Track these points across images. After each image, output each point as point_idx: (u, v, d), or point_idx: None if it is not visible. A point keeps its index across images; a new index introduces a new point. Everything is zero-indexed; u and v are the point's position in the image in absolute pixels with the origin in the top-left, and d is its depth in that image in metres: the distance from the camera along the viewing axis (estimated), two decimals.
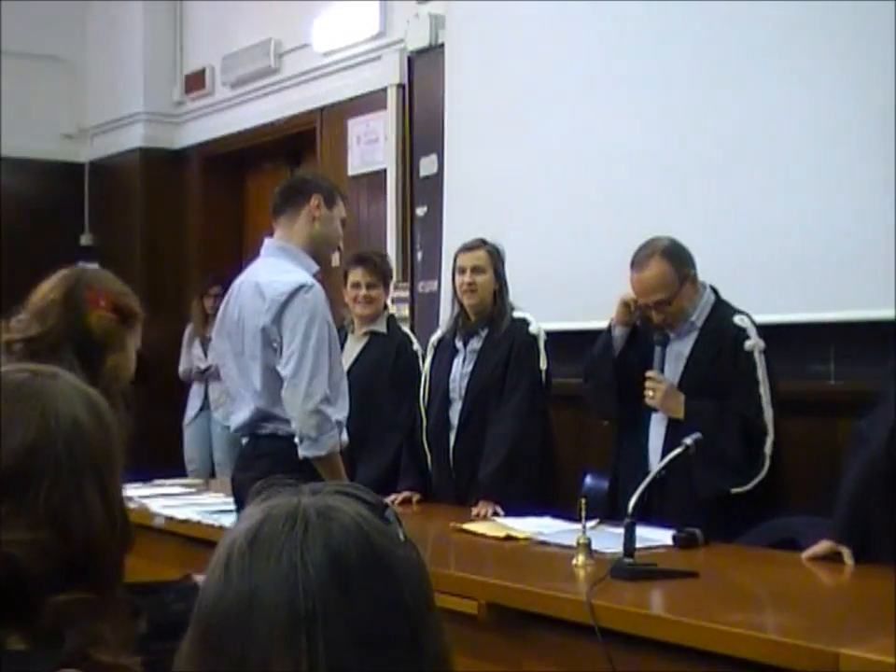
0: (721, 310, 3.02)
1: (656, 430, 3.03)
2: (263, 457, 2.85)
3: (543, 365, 3.39)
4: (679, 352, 3.02)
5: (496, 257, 3.50)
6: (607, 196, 4.12)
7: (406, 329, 4.14)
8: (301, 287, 2.78)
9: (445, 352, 3.59)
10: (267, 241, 2.99)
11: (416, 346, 3.92)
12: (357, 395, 3.68)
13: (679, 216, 3.74)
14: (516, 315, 3.49)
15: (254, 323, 2.83)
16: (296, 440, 2.77)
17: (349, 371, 3.83)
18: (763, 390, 2.89)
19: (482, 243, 3.51)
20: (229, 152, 6.44)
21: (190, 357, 6.00)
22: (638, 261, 2.99)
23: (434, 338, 3.68)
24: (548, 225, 4.30)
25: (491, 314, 3.47)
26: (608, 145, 4.11)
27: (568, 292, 4.17)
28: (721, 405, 2.90)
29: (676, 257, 2.98)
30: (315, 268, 2.94)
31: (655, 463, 2.90)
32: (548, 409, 3.45)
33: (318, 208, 2.92)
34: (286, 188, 2.99)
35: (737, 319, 2.96)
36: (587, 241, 4.15)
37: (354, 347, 3.92)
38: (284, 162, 6.18)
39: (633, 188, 4.01)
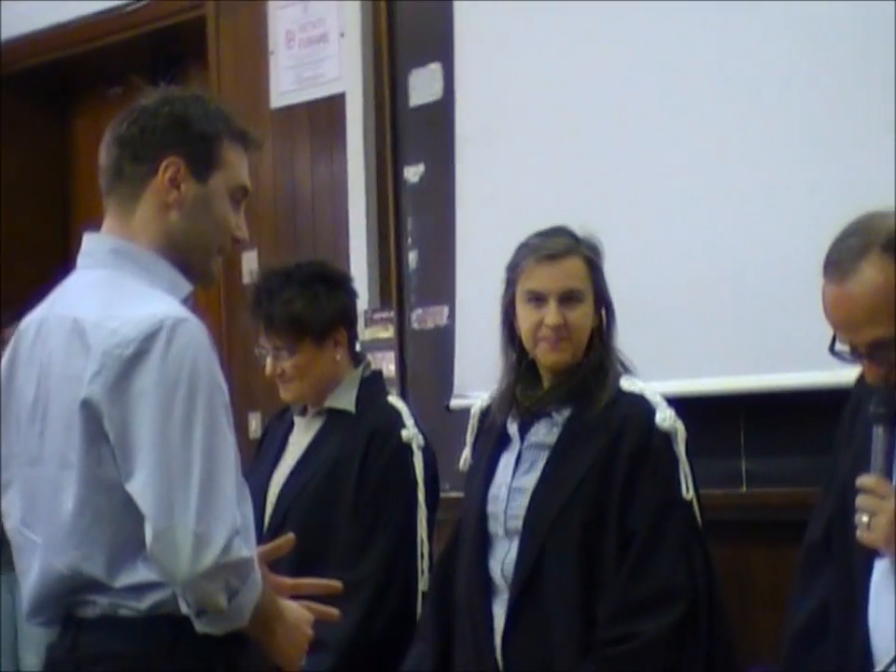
0: None
1: (886, 593, 3.00)
2: (92, 665, 2.83)
3: (689, 493, 3.43)
4: None
5: (597, 266, 3.56)
6: (768, 148, 4.23)
7: (395, 400, 4.21)
8: (162, 327, 2.76)
9: (487, 443, 3.66)
10: (89, 239, 2.97)
11: (409, 431, 3.99)
12: (295, 529, 3.73)
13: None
14: (626, 385, 3.53)
15: (68, 397, 2.81)
16: (183, 609, 2.77)
17: (285, 486, 3.99)
18: None
19: (572, 240, 3.54)
20: (39, 66, 6.54)
21: None
22: (840, 261, 2.93)
23: (478, 406, 3.77)
24: (657, 199, 4.41)
25: (580, 377, 3.53)
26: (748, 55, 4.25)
27: (698, 325, 4.29)
28: None
29: None
30: (187, 288, 2.93)
31: (887, 652, 2.89)
32: (717, 581, 3.50)
33: (175, 184, 2.90)
34: (111, 142, 2.95)
35: None
36: (735, 226, 4.26)
37: (301, 441, 4.05)
38: (145, 84, 6.24)
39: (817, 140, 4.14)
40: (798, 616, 3.20)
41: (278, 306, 3.95)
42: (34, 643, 5.68)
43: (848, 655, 3.03)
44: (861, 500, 2.94)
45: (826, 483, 3.24)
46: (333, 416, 4.01)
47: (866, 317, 2.92)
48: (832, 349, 2.98)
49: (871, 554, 2.98)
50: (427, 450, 4.00)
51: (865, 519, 2.93)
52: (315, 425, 4.04)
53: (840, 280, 2.92)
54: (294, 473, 3.99)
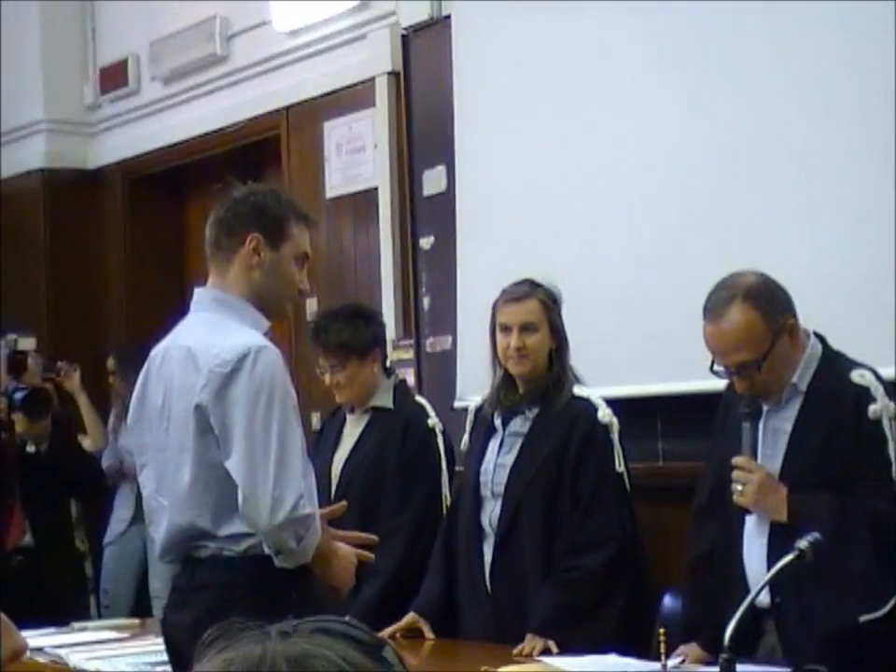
0: (834, 366, 3.03)
1: (755, 539, 3.05)
2: (204, 590, 2.89)
3: (621, 467, 3.48)
4: (776, 427, 3.05)
5: (551, 307, 3.59)
6: (682, 216, 4.17)
7: (420, 398, 4.27)
8: (249, 352, 2.83)
9: (480, 431, 3.69)
10: (198, 291, 3.05)
11: (433, 420, 4.04)
12: (356, 494, 3.81)
13: (777, 242, 3.82)
14: (577, 391, 3.57)
15: (185, 403, 2.87)
16: (266, 550, 2.84)
17: (346, 464, 4.03)
18: None
19: (531, 288, 3.59)
20: (162, 171, 6.55)
21: (116, 449, 5.94)
22: (714, 308, 3.00)
23: (473, 405, 3.80)
24: (601, 259, 4.36)
25: (545, 386, 3.56)
26: (681, 145, 4.17)
27: (629, 347, 4.25)
28: (842, 499, 2.91)
29: (766, 300, 2.99)
30: (266, 325, 2.99)
31: (756, 581, 2.91)
32: (639, 530, 3.55)
33: (257, 252, 2.96)
34: (213, 223, 3.03)
35: (856, 376, 2.97)
36: (656, 278, 4.21)
37: (354, 431, 4.10)
38: (238, 183, 6.28)
39: (719, 203, 4.07)
40: (692, 555, 3.26)
41: (331, 336, 4.00)
42: (159, 574, 5.66)
43: (729, 583, 3.07)
44: (735, 475, 3.00)
45: (707, 460, 3.30)
46: (376, 413, 4.05)
47: (734, 347, 2.98)
48: (711, 369, 3.06)
49: (743, 513, 3.04)
50: (445, 433, 4.05)
51: (739, 488, 2.99)
52: (363, 420, 4.07)
53: (714, 320, 3.00)
54: (352, 454, 4.03)
